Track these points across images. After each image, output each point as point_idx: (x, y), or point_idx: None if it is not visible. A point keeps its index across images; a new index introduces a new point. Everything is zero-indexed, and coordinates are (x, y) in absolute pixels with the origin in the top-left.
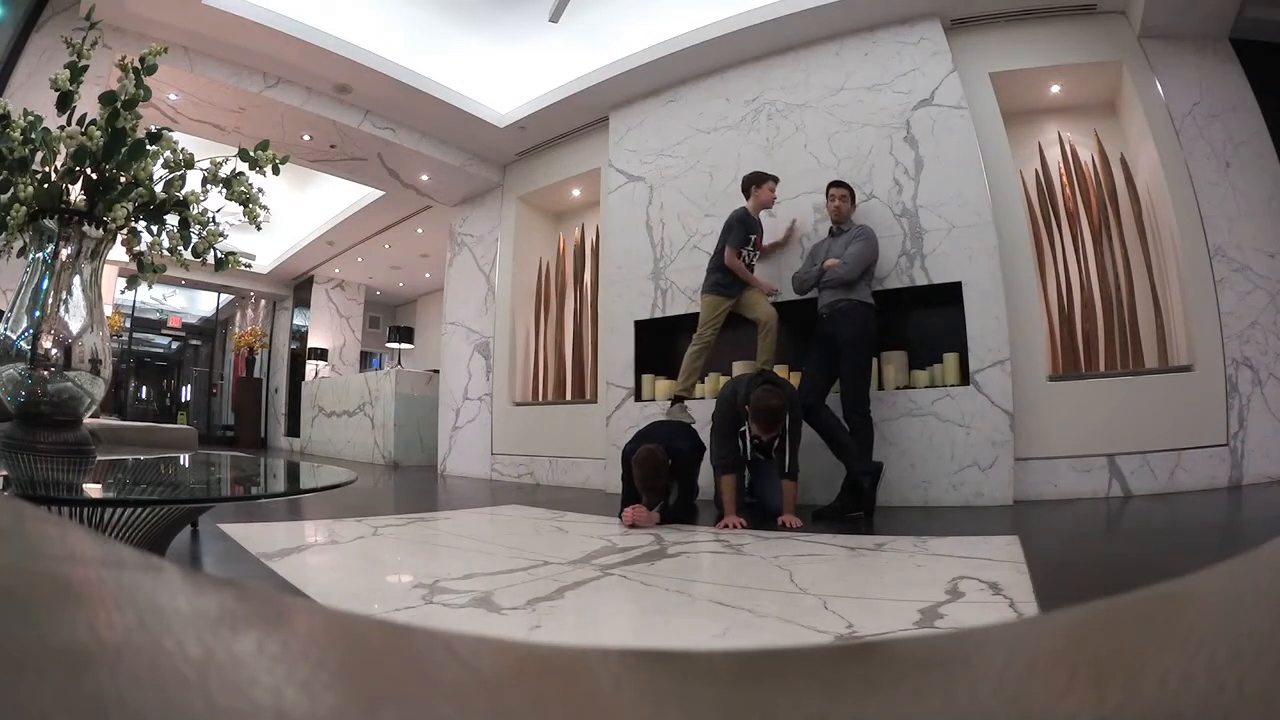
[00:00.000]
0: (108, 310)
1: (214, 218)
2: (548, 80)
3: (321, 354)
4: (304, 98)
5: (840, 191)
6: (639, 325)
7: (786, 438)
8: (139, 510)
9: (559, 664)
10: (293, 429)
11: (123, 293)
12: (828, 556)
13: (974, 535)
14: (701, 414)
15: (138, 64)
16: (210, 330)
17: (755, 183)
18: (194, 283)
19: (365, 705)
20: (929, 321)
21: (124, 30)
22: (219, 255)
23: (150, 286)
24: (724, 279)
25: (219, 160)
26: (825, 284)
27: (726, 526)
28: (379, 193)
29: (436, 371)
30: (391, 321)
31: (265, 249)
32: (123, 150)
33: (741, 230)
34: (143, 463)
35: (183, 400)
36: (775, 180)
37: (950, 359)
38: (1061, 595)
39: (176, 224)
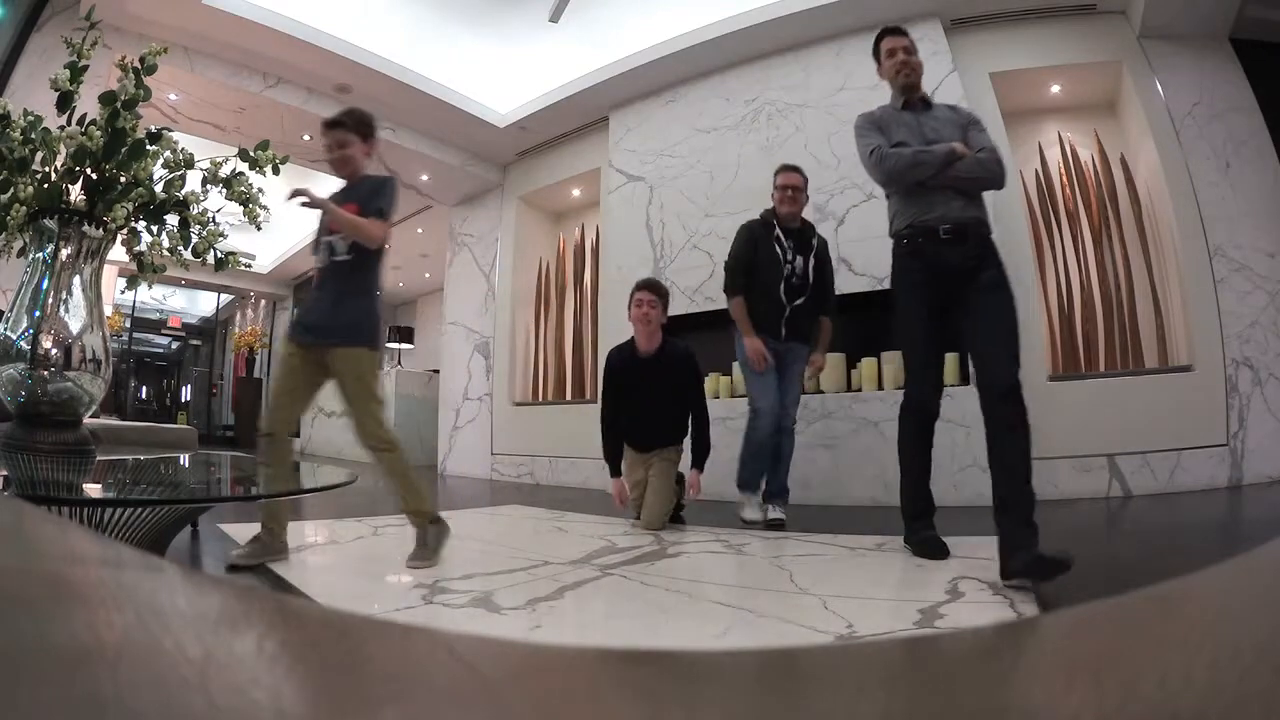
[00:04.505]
0: (108, 310)
1: (214, 218)
2: (548, 80)
3: None
4: (304, 98)
5: (903, 42)
6: None
7: (819, 269)
8: (139, 510)
9: (559, 664)
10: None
11: (123, 293)
12: (828, 556)
13: (974, 535)
14: None
15: (138, 64)
16: (210, 330)
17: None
18: (194, 283)
19: (365, 705)
20: None
21: (124, 30)
22: (219, 255)
23: (150, 286)
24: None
25: (219, 160)
26: (954, 183)
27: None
28: None
29: (436, 371)
30: (391, 321)
31: (265, 249)
32: (123, 150)
33: None
34: (143, 463)
35: (183, 400)
36: None
37: (950, 359)
38: (1062, 595)
39: (176, 224)
